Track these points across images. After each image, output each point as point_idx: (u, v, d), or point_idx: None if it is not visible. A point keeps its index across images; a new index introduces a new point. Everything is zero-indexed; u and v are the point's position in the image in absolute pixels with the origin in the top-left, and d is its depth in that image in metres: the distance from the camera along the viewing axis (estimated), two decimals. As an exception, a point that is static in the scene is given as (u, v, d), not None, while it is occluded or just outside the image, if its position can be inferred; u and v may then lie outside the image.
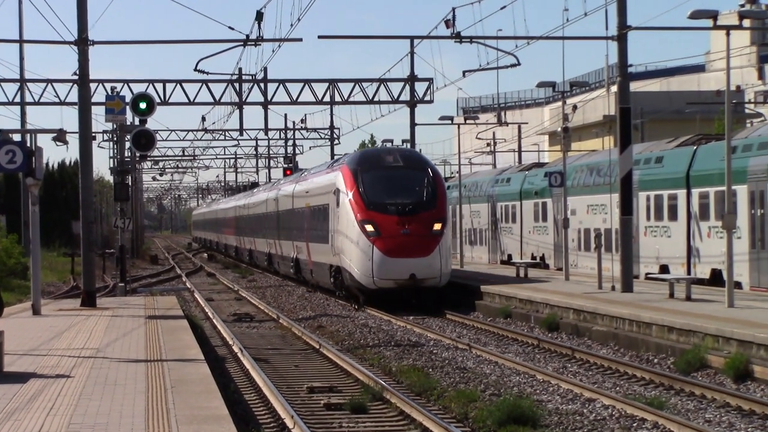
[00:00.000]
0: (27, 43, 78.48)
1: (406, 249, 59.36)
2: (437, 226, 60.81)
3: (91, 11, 48.98)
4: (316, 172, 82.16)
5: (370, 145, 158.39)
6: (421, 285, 59.11)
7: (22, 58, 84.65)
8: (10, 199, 75.46)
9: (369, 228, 59.31)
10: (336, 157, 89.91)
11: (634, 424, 24.97)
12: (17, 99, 77.99)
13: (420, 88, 79.67)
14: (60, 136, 51.71)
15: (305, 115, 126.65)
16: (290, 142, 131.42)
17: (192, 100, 79.83)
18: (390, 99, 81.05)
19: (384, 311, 58.30)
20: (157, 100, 60.68)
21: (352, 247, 59.94)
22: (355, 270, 59.64)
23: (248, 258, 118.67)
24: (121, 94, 60.59)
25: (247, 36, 55.99)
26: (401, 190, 63.51)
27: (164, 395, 24.23)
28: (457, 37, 60.87)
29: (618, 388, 30.39)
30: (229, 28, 64.11)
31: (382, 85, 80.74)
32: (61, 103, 76.60)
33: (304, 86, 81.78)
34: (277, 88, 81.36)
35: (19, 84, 78.50)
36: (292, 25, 59.70)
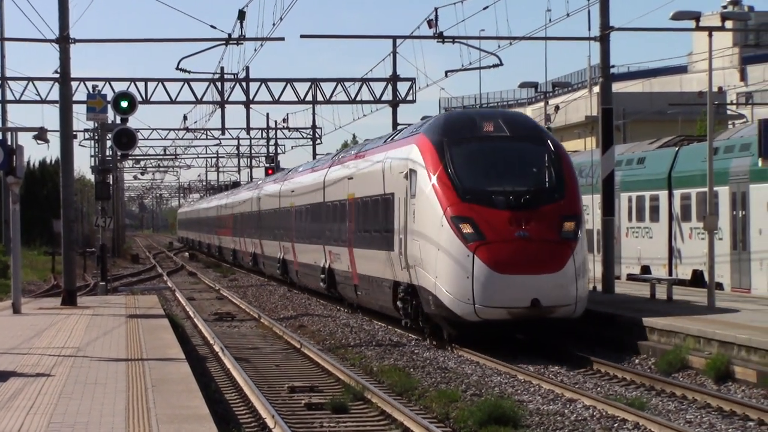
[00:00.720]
0: (7, 41, 78.33)
1: (524, 261, 37.68)
2: (569, 226, 39.12)
3: (72, 9, 49.01)
4: (365, 150, 55.17)
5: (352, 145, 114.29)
6: (548, 316, 37.66)
7: (2, 56, 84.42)
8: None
9: (466, 229, 37.70)
10: (399, 127, 59.66)
11: (615, 425, 25.05)
12: (-6, 98, 78.17)
13: (402, 87, 79.11)
14: (41, 134, 51.85)
15: (287, 114, 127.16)
16: (272, 142, 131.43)
17: (174, 99, 79.42)
18: (372, 99, 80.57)
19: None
20: (139, 98, 60.54)
21: (437, 257, 38.17)
22: (444, 292, 37.42)
23: (252, 263, 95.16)
24: (102, 92, 60.63)
25: (229, 35, 55.94)
26: (511, 172, 41.10)
27: (145, 394, 24.29)
28: (440, 37, 60.67)
29: (599, 389, 30.49)
30: (211, 27, 64.09)
31: (364, 84, 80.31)
32: (43, 101, 76.24)
33: (286, 85, 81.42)
34: (259, 87, 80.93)
35: (-2, 82, 78.41)
36: (274, 24, 59.68)
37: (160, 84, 77.79)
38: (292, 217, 69.58)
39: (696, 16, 48.90)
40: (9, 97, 78.04)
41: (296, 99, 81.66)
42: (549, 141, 41.58)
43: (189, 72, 69.70)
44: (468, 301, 36.34)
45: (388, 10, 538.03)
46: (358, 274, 51.54)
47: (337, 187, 57.21)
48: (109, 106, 57.14)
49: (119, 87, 70.97)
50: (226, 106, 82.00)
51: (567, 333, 40.18)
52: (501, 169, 40.49)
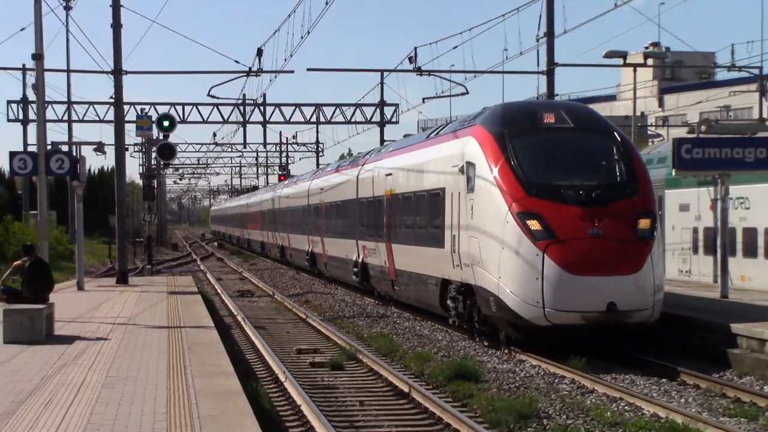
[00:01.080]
0: (73, 73, 78.25)
1: (600, 262, 29.57)
2: (645, 224, 30.79)
3: (123, 45, 48.91)
4: (401, 147, 45.44)
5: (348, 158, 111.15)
6: (625, 321, 29.26)
7: (69, 85, 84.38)
8: (60, 198, 74.82)
9: (534, 226, 29.49)
10: (449, 122, 44.91)
11: (555, 380, 25.11)
12: (65, 117, 78.29)
13: (388, 111, 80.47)
14: (99, 147, 52.22)
15: (296, 132, 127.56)
16: (284, 154, 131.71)
17: (205, 119, 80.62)
18: (364, 120, 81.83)
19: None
20: (177, 119, 60.71)
21: (501, 255, 29.88)
22: (509, 293, 29.27)
23: (280, 254, 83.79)
24: (148, 114, 60.82)
25: (250, 68, 55.86)
26: (579, 165, 32.62)
27: (182, 355, 24.44)
28: (418, 71, 60.58)
29: (544, 354, 29.35)
30: (235, 61, 64.66)
31: (357, 108, 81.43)
32: (101, 121, 77.61)
33: (295, 109, 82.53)
34: (274, 110, 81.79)
35: (66, 105, 78.52)
36: (286, 59, 59.65)
37: (194, 107, 78.96)
38: (321, 213, 59.46)
39: (623, 55, 49.46)
40: (74, 117, 78.32)
41: (303, 120, 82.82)
42: (615, 133, 33.12)
43: (217, 98, 69.77)
44: (537, 304, 28.17)
45: (377, 48, 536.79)
46: (396, 270, 42.00)
47: (373, 184, 46.64)
48: (153, 125, 57.52)
49: (162, 109, 72.39)
50: (247, 125, 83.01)
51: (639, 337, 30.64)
52: (568, 162, 32.22)
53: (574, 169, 30.67)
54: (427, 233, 36.86)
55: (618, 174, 30.55)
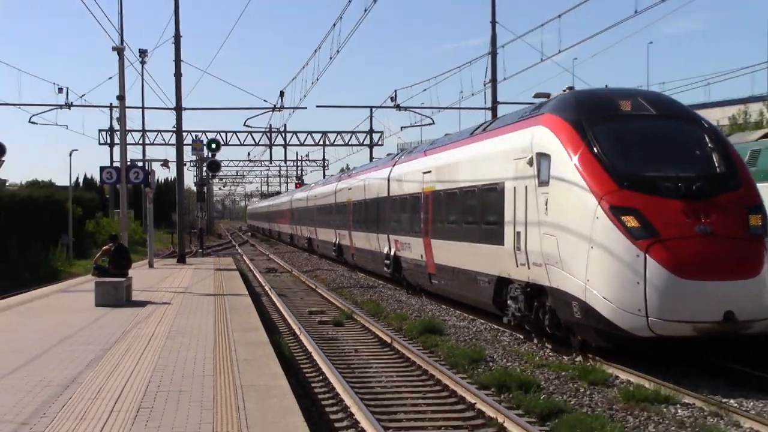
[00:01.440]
0: (146, 109, 79.04)
1: (713, 264, 20.01)
2: (756, 220, 21.00)
3: (183, 88, 49.04)
4: (437, 146, 35.47)
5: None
6: (744, 332, 19.51)
7: (143, 117, 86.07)
8: (136, 200, 75.05)
9: (631, 222, 20.30)
10: (482, 123, 32.87)
11: (498, 334, 25.07)
12: (140, 141, 79.07)
13: (375, 136, 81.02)
14: (165, 163, 53.58)
15: (308, 152, 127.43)
16: (299, 168, 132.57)
17: (242, 142, 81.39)
18: (357, 143, 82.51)
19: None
20: (222, 142, 61.07)
21: (589, 255, 20.81)
22: (601, 299, 20.21)
23: (308, 244, 74.88)
24: (200, 138, 61.19)
25: (275, 105, 56.29)
26: (672, 155, 22.97)
27: (225, 315, 24.59)
28: (397, 107, 60.84)
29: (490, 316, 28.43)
30: (264, 101, 65.16)
31: (353, 135, 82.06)
32: (166, 144, 79.07)
33: (307, 135, 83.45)
34: (292, 136, 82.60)
35: (141, 132, 79.03)
36: (300, 99, 60.27)
37: (234, 134, 79.35)
38: (349, 210, 50.34)
39: (548, 95, 49.06)
40: (147, 141, 79.16)
41: (313, 143, 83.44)
42: (702, 121, 23.66)
43: (251, 127, 70.35)
44: (638, 312, 19.10)
45: (367, 89, 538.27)
46: (435, 264, 32.29)
47: (408, 183, 36.86)
48: (204, 147, 58.03)
49: (210, 135, 72.63)
50: (272, 147, 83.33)
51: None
52: (657, 151, 22.50)
53: (666, 159, 21.56)
54: (480, 230, 27.22)
55: (716, 164, 21.28)
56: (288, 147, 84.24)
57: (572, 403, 16.19)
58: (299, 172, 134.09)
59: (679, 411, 15.43)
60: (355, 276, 47.22)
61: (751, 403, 16.03)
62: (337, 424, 15.04)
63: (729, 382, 17.92)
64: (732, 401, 15.95)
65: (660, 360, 18.40)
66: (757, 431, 14.07)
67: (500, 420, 14.72)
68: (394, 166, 40.19)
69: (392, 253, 38.71)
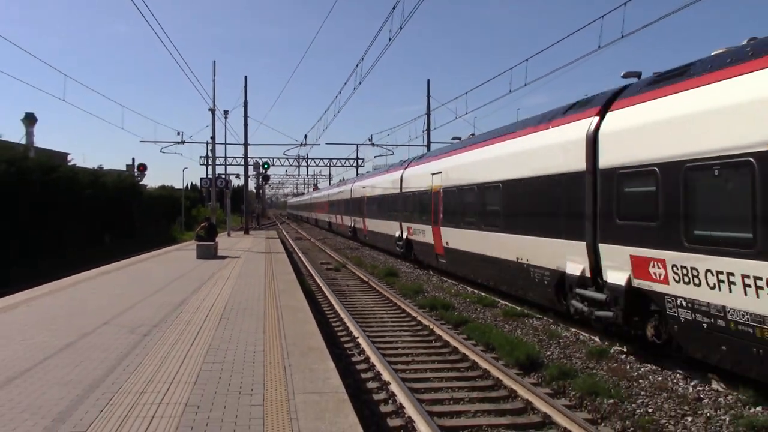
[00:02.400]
0: (228, 144, 78.06)
1: None
2: None
3: (249, 130, 48.64)
4: (459, 148, 21.98)
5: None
6: None
7: (225, 148, 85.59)
8: (221, 197, 75.13)
9: None
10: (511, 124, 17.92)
11: (431, 275, 24.71)
12: (223, 163, 78.06)
13: (360, 161, 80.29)
14: (237, 177, 51.95)
15: (320, 170, 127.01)
16: (315, 180, 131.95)
17: (282, 164, 79.82)
18: (349, 165, 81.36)
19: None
20: (270, 164, 60.40)
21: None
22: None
23: (328, 227, 64.91)
24: (258, 161, 60.42)
25: (302, 143, 55.77)
26: None
27: (271, 265, 24.33)
28: (373, 144, 60.68)
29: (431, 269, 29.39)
30: (295, 140, 64.29)
31: (346, 160, 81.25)
32: (238, 164, 76.61)
33: (320, 161, 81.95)
34: (311, 160, 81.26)
35: (224, 158, 78.17)
36: (317, 139, 59.98)
37: (278, 160, 77.86)
38: (364, 203, 40.14)
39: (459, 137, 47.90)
40: (228, 162, 78.16)
41: (324, 164, 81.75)
42: None
43: (287, 155, 69.61)
44: None
45: (355, 129, 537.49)
46: (445, 248, 22.34)
47: (422, 179, 25.62)
48: (261, 166, 57.35)
49: (264, 159, 71.24)
50: (300, 167, 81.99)
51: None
52: None
53: None
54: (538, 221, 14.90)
55: None
56: (309, 168, 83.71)
57: (473, 317, 16.18)
58: (315, 182, 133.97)
59: (534, 322, 15.46)
60: (345, 242, 47.10)
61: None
62: (335, 327, 15.01)
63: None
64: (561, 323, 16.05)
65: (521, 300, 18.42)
66: (576, 332, 14.12)
67: (431, 327, 14.69)
68: (406, 168, 30.05)
69: (404, 236, 28.94)
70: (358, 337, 13.55)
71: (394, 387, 10.00)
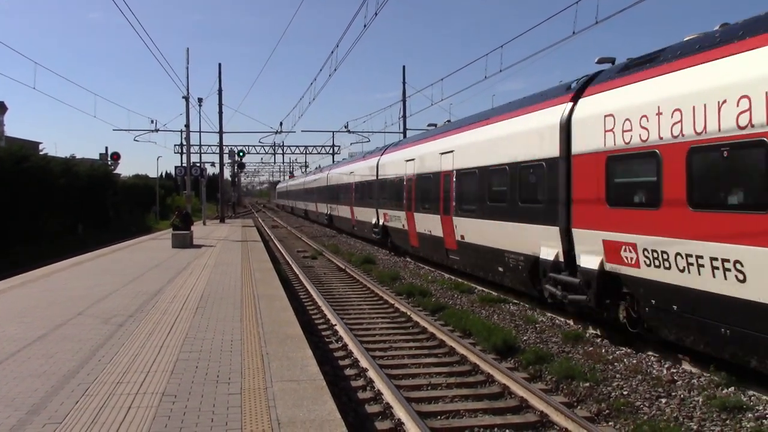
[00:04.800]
0: (202, 132, 77.37)
1: None
2: None
3: (224, 119, 48.27)
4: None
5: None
6: None
7: (200, 137, 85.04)
8: (195, 186, 74.65)
9: None
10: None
11: (408, 261, 24.71)
12: (198, 151, 77.56)
13: (336, 148, 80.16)
14: (212, 165, 51.50)
15: (296, 158, 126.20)
16: (291, 168, 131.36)
17: (257, 152, 79.44)
18: (325, 153, 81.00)
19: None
20: (245, 151, 60.09)
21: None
22: None
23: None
24: (233, 149, 59.96)
25: (277, 131, 55.31)
26: None
27: (248, 253, 24.27)
28: (348, 131, 60.47)
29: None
30: (270, 127, 63.97)
31: (323, 148, 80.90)
32: (213, 153, 76.09)
33: (296, 149, 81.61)
34: (286, 148, 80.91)
35: (198, 146, 77.67)
36: (292, 126, 59.71)
37: (253, 148, 77.39)
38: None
39: (435, 124, 47.70)
40: (202, 151, 77.69)
41: (300, 152, 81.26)
42: None
43: (263, 143, 69.29)
44: None
45: (331, 120, 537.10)
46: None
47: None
48: (236, 154, 56.92)
49: (239, 147, 70.92)
50: (275, 155, 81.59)
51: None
52: None
53: None
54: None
55: None
56: (285, 155, 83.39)
57: (450, 303, 16.23)
58: (291, 169, 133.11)
59: (511, 307, 15.55)
60: (321, 229, 46.98)
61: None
62: (312, 315, 14.98)
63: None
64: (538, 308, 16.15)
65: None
66: (552, 317, 14.21)
67: (408, 313, 14.71)
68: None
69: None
70: (335, 325, 13.55)
71: (372, 374, 10.01)
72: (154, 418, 6.65)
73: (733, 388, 9.20)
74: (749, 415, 8.27)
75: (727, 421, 8.15)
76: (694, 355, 10.23)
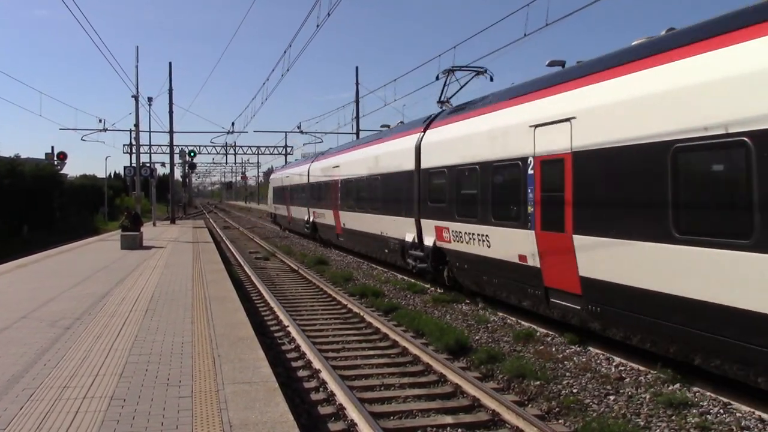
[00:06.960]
0: (152, 132, 75.95)
1: None
2: None
3: (174, 119, 47.61)
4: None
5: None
6: None
7: (149, 137, 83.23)
8: (145, 186, 73.59)
9: None
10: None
11: (362, 263, 24.74)
12: (148, 151, 76.18)
13: (289, 149, 79.55)
14: (162, 165, 50.73)
15: (249, 158, 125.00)
16: (244, 169, 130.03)
17: (209, 152, 78.29)
18: (278, 153, 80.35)
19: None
20: (196, 152, 59.38)
21: None
22: None
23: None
24: (184, 149, 59.21)
25: (229, 131, 54.81)
26: None
27: (198, 254, 24.04)
28: (302, 132, 60.29)
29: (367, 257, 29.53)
30: (222, 127, 63.22)
31: (275, 148, 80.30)
32: (164, 153, 74.63)
33: (248, 149, 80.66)
34: (238, 149, 80.00)
35: (148, 146, 76.29)
36: (244, 126, 59.16)
37: (205, 148, 76.25)
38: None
39: (389, 126, 47.87)
40: (153, 150, 76.25)
41: (253, 152, 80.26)
42: None
43: (214, 143, 68.52)
44: None
45: (283, 120, 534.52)
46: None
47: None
48: (187, 154, 56.20)
49: (190, 147, 69.80)
50: (228, 155, 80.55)
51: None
52: None
53: None
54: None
55: None
56: (237, 155, 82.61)
57: (403, 303, 16.30)
58: (243, 170, 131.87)
59: (463, 307, 15.68)
60: (273, 228, 46.70)
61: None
62: (265, 316, 14.89)
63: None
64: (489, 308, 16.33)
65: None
66: (504, 316, 14.36)
67: (361, 314, 14.73)
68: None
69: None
70: (288, 326, 13.47)
71: (325, 375, 9.98)
72: (102, 422, 6.52)
73: (678, 384, 9.41)
74: (694, 411, 8.47)
75: (673, 417, 8.33)
76: (633, 350, 10.49)
